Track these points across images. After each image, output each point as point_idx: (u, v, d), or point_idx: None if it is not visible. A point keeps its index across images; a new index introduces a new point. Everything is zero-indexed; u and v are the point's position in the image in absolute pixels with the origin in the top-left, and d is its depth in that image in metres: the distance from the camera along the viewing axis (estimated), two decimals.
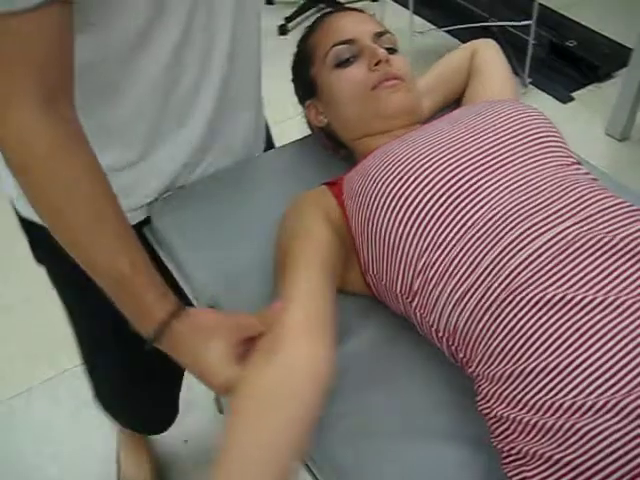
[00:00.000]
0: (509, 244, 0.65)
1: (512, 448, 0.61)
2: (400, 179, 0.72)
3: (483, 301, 0.65)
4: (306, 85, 0.95)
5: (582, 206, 0.68)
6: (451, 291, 0.68)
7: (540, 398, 0.59)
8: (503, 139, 0.75)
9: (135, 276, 0.66)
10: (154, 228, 0.94)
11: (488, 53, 1.03)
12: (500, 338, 0.63)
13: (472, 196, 0.69)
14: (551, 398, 0.58)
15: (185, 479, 1.48)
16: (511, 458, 0.61)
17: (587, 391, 0.56)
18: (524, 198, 0.69)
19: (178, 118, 0.85)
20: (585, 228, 0.66)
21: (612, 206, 0.68)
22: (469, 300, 0.66)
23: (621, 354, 0.57)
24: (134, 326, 0.68)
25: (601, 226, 0.66)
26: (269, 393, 0.61)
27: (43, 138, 0.63)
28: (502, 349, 0.63)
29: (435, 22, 2.96)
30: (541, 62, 2.71)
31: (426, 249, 0.69)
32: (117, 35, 0.72)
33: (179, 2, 0.74)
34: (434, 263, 0.69)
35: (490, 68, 1.01)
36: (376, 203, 0.73)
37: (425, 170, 0.71)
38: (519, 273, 0.64)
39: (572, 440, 0.56)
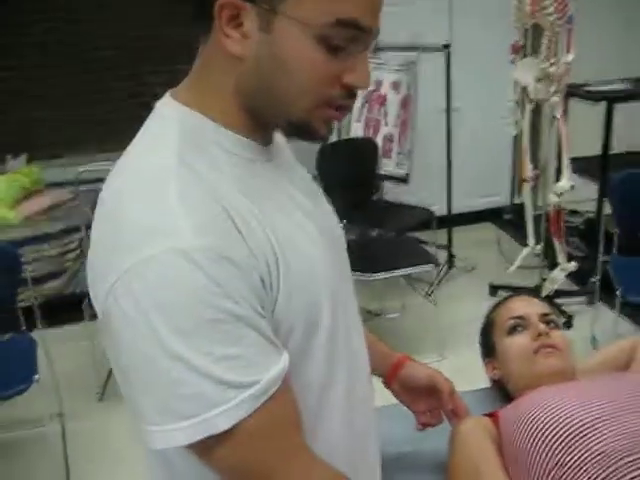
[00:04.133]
0: (615, 469, 0.88)
1: None
2: (540, 419, 0.99)
3: None
4: (488, 346, 1.29)
5: None
6: None
7: None
8: (628, 396, 0.97)
9: None
10: None
11: None
12: None
13: (590, 437, 0.92)
14: None
15: None
16: None
17: None
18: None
19: None
20: None
21: None
22: None
23: None
24: None
25: None
26: None
27: None
28: None
29: None
30: None
31: (553, 467, 0.95)
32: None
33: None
34: (560, 478, 0.92)
35: None
36: (523, 436, 1.00)
37: (557, 412, 0.98)
38: None
39: None
